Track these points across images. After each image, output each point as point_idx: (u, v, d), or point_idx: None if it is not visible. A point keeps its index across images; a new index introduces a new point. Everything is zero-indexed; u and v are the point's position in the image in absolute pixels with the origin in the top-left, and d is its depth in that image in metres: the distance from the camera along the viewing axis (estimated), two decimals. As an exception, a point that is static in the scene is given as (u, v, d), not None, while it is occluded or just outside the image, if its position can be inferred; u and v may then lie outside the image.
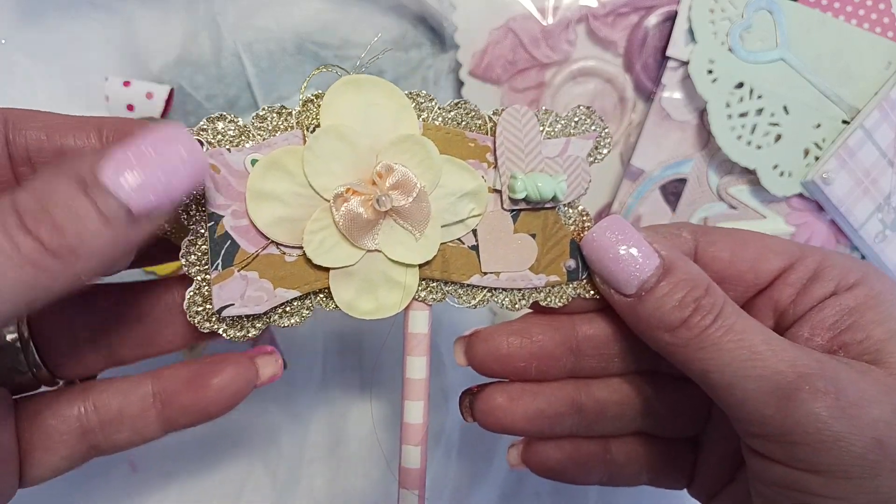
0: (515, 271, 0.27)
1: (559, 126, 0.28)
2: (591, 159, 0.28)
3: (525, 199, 0.26)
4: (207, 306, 0.24)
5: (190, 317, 0.24)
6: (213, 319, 0.24)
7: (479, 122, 0.27)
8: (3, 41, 0.41)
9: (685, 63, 0.41)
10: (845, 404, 0.22)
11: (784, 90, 0.41)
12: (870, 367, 0.24)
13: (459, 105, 0.26)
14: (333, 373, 0.43)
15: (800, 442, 0.22)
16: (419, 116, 0.26)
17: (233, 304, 0.24)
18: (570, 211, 0.28)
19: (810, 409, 0.22)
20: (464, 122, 0.26)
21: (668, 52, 0.41)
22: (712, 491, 0.31)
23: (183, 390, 0.26)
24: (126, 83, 0.39)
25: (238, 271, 0.24)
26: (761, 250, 0.28)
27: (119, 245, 0.20)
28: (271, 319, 0.25)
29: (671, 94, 0.41)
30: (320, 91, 0.24)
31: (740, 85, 0.41)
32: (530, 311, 0.29)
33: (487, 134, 0.27)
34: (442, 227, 0.26)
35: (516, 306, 0.28)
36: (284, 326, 0.25)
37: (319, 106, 0.24)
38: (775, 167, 0.41)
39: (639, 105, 0.42)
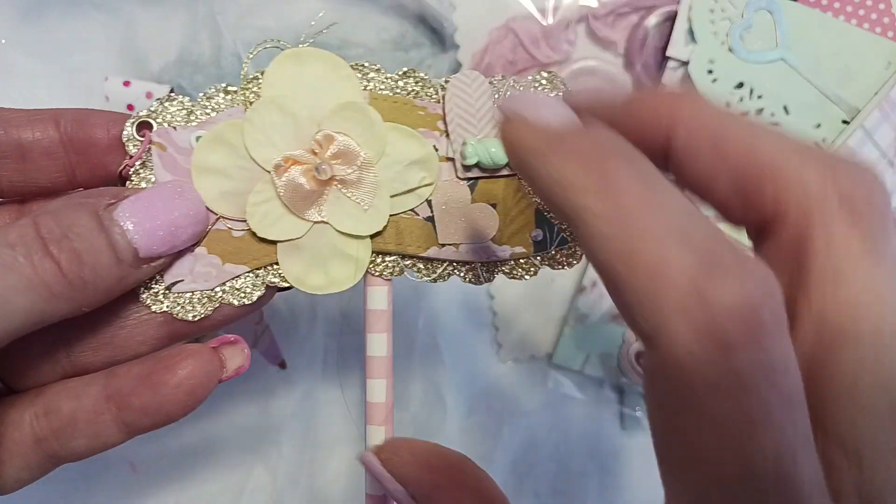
0: (476, 243, 0.26)
1: (518, 92, 0.26)
2: None
3: (478, 166, 0.26)
4: (157, 286, 0.24)
5: (141, 297, 0.24)
6: (164, 298, 0.24)
7: (431, 90, 0.26)
8: (3, 41, 0.41)
9: (685, 63, 0.41)
10: None
11: (784, 90, 0.41)
12: None
13: (408, 74, 0.26)
14: (333, 373, 0.43)
15: None
16: (365, 87, 0.25)
17: (182, 280, 0.24)
18: None
19: None
20: (413, 92, 0.26)
21: (668, 52, 0.41)
22: None
23: (138, 389, 0.23)
24: (126, 83, 0.39)
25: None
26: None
27: (121, 285, 0.22)
28: (223, 299, 0.25)
29: (671, 94, 0.41)
30: (264, 69, 0.25)
31: (740, 85, 0.41)
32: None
33: (439, 103, 0.26)
34: (392, 197, 0.25)
35: (480, 280, 0.27)
36: (238, 305, 0.25)
37: (260, 82, 0.25)
38: (775, 167, 0.41)
39: (639, 105, 0.42)
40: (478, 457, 0.44)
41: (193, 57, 0.40)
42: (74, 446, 0.23)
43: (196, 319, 0.25)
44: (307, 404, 0.42)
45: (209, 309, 0.25)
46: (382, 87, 0.26)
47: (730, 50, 0.40)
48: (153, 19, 0.41)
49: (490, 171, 0.26)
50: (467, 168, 0.26)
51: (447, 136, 0.26)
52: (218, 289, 0.25)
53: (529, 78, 0.27)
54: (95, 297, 0.21)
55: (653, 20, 0.42)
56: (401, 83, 0.26)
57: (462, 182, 0.26)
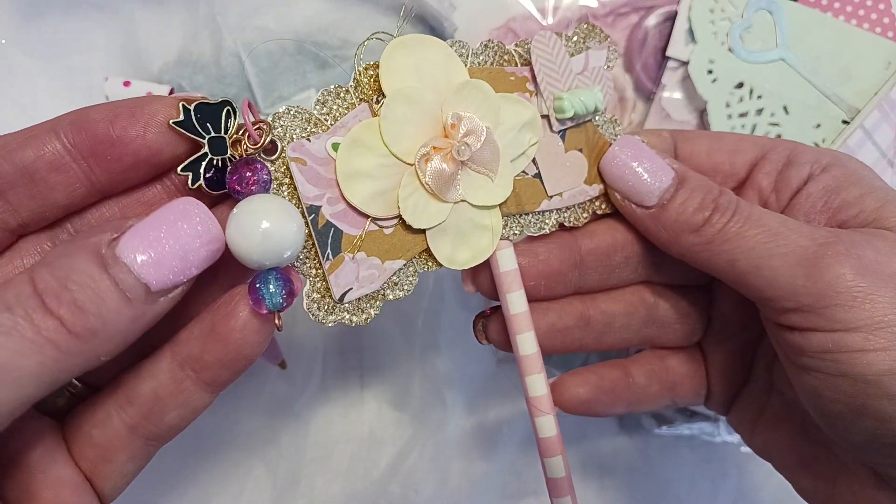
0: (574, 188, 0.29)
1: (572, 45, 0.29)
2: (606, 66, 0.30)
3: (572, 117, 0.28)
4: (326, 299, 0.24)
5: (312, 315, 0.24)
6: (335, 310, 0.25)
7: (507, 57, 0.28)
8: (3, 41, 0.41)
9: (685, 63, 0.41)
10: (866, 262, 0.24)
11: (784, 90, 0.41)
12: (877, 230, 0.25)
13: (488, 46, 0.27)
14: (333, 373, 0.43)
15: (833, 304, 0.23)
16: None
17: (351, 289, 0.25)
18: (600, 119, 0.30)
19: (837, 271, 0.24)
20: (494, 61, 0.27)
21: (668, 52, 0.41)
22: (729, 396, 0.33)
23: (207, 346, 0.23)
24: (126, 83, 0.39)
25: (348, 255, 0.24)
26: (735, 143, 0.30)
27: (138, 325, 0.20)
28: (385, 296, 0.26)
29: (671, 94, 0.41)
30: (370, 62, 0.25)
31: (740, 85, 0.41)
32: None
33: (518, 66, 0.28)
34: (510, 162, 0.27)
35: (580, 220, 0.29)
36: (397, 299, 0.26)
37: (372, 76, 0.25)
38: (775, 167, 0.41)
39: (639, 105, 0.42)
40: (478, 457, 0.45)
41: (193, 57, 0.40)
42: (168, 421, 0.24)
43: (367, 322, 0.25)
44: (307, 404, 0.42)
45: (378, 308, 0.25)
46: (472, 61, 0.27)
47: (730, 50, 0.40)
48: (153, 19, 0.41)
49: (579, 120, 0.29)
50: (561, 121, 0.28)
51: (536, 95, 0.28)
52: (381, 287, 0.25)
53: (576, 30, 0.29)
54: (111, 344, 0.20)
55: (653, 20, 0.42)
56: (482, 57, 0.27)
57: (555, 135, 0.28)
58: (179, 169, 0.22)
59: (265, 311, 0.22)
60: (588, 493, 0.44)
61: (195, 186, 0.22)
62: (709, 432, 0.43)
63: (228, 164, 0.23)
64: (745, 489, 0.45)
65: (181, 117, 0.22)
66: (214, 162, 0.23)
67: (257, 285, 0.22)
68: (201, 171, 0.22)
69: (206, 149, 0.22)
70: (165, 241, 0.20)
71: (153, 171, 0.23)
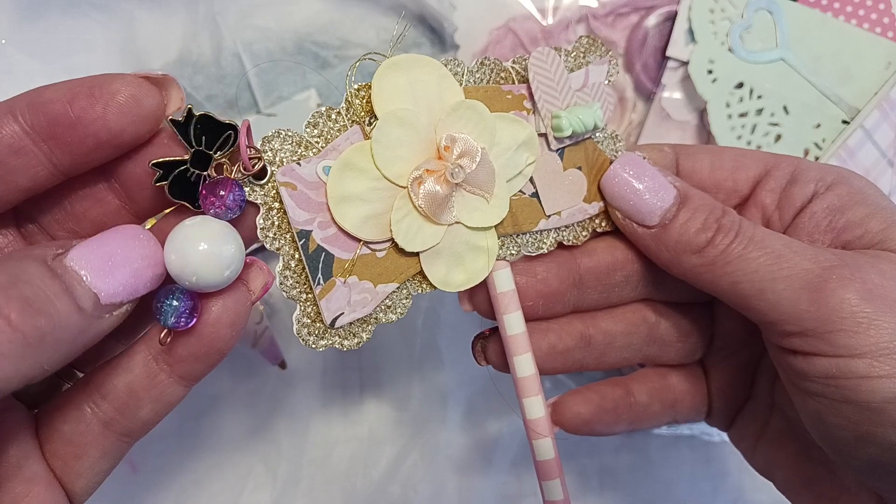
0: (573, 206, 0.28)
1: (571, 60, 0.28)
2: (607, 81, 0.29)
3: (570, 135, 0.27)
4: (317, 324, 0.24)
5: (302, 340, 0.24)
6: (326, 335, 0.25)
7: (504, 74, 0.27)
8: (3, 41, 0.41)
9: (685, 63, 0.41)
10: (871, 286, 0.23)
11: (784, 90, 0.41)
12: (882, 252, 0.25)
13: (484, 64, 0.27)
14: (333, 373, 0.43)
15: (837, 329, 0.23)
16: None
17: (342, 313, 0.24)
18: (600, 135, 0.29)
19: (842, 296, 0.23)
20: (490, 79, 0.27)
21: (668, 52, 0.41)
22: (730, 413, 0.32)
23: (181, 341, 0.23)
24: (126, 83, 0.39)
25: (339, 280, 0.24)
26: (738, 159, 0.29)
27: (83, 337, 0.20)
28: (377, 319, 0.25)
29: (671, 94, 0.41)
30: (362, 83, 0.24)
31: (740, 85, 0.41)
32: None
33: (515, 83, 0.27)
34: (506, 182, 0.27)
35: (579, 239, 0.29)
36: (390, 322, 0.25)
37: (364, 97, 0.24)
38: (775, 167, 0.41)
39: (639, 105, 0.42)
40: (478, 457, 0.44)
41: (193, 57, 0.40)
42: (142, 416, 0.24)
43: (359, 346, 0.25)
44: (307, 404, 0.42)
45: (370, 332, 0.25)
46: (467, 80, 0.26)
47: (730, 50, 0.40)
48: (153, 19, 0.41)
49: (577, 138, 0.28)
50: (559, 140, 0.27)
51: (534, 113, 0.27)
52: (374, 311, 0.25)
53: (576, 44, 0.28)
54: (56, 353, 0.19)
55: (653, 20, 0.42)
56: (478, 74, 0.26)
57: (553, 153, 0.28)
58: (152, 163, 0.22)
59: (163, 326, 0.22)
60: (588, 493, 0.44)
61: (157, 184, 0.22)
62: (709, 432, 0.43)
63: (200, 181, 0.22)
64: (745, 489, 0.45)
65: (182, 118, 0.22)
66: (189, 174, 0.22)
67: (162, 299, 0.22)
68: (172, 175, 0.22)
69: (189, 158, 0.22)
70: (116, 254, 0.20)
71: (116, 152, 0.22)
